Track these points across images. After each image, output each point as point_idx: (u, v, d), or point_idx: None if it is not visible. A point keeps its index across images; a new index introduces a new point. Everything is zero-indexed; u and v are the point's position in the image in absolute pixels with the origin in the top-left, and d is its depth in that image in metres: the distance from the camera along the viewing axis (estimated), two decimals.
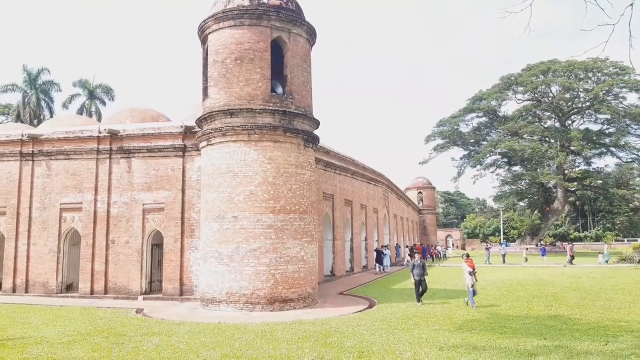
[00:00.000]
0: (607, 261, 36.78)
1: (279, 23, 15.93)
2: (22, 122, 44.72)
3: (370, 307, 15.87)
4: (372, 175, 34.46)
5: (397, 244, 42.44)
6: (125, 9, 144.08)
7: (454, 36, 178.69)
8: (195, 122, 16.70)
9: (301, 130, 16.04)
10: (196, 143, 17.28)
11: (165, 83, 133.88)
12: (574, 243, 66.72)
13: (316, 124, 17.03)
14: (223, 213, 15.43)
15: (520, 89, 63.32)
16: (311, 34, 17.06)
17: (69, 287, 20.49)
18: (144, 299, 18.47)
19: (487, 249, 43.18)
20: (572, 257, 36.33)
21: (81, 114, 49.71)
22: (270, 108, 15.43)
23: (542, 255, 43.21)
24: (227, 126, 15.38)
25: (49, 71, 50.12)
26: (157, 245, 19.81)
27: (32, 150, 20.48)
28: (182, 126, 18.49)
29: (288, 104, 15.83)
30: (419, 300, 16.18)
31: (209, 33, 16.33)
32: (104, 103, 52.96)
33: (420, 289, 16.37)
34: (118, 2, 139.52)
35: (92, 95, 52.37)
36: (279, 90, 16.29)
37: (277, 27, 15.93)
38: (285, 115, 15.64)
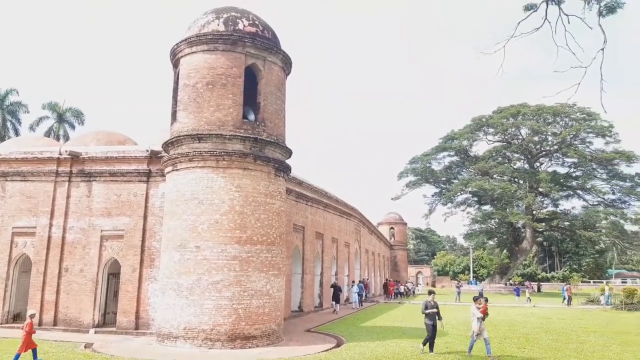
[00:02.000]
0: (607, 302, 34.31)
1: (254, 50, 15.64)
2: None
3: (337, 346, 15.11)
4: (345, 209, 34.03)
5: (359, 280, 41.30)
6: (100, 31, 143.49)
7: (431, 74, 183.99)
8: (162, 147, 16.04)
9: (272, 158, 15.55)
10: (161, 168, 16.57)
11: (139, 110, 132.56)
12: (540, 283, 67.54)
13: (288, 153, 16.59)
14: (185, 242, 14.61)
15: (491, 130, 64.73)
16: (287, 63, 16.82)
17: (16, 317, 18.98)
18: (95, 332, 17.21)
19: (457, 287, 42.80)
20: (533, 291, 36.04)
21: (49, 137, 48.18)
22: (241, 135, 14.94)
23: (516, 295, 42.26)
24: (194, 151, 14.77)
25: (17, 92, 48.67)
26: (113, 274, 18.67)
27: None
28: (147, 150, 17.76)
29: (260, 132, 15.37)
30: (431, 350, 13.61)
31: (182, 57, 15.90)
32: (73, 127, 51.51)
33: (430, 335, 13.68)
34: (90, 25, 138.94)
35: (61, 119, 50.91)
36: (251, 117, 15.87)
37: (252, 54, 15.63)
38: (256, 143, 15.15)
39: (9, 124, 47.83)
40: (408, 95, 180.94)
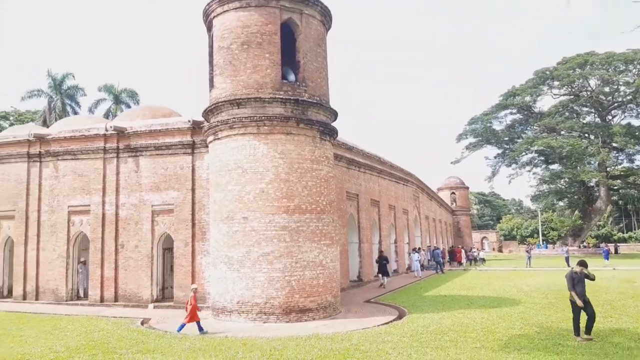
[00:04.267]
0: None
1: (289, 3, 14.40)
2: (48, 127, 44.74)
3: (399, 318, 14.09)
4: (401, 175, 32.52)
5: (434, 247, 39.88)
6: (148, 11, 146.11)
7: (487, 28, 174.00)
8: (202, 115, 15.33)
9: (316, 121, 14.44)
10: (204, 139, 15.92)
11: (186, 83, 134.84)
12: (617, 244, 62.96)
13: (333, 114, 15.41)
14: (232, 214, 13.96)
15: (556, 83, 60.09)
16: (326, 16, 15.47)
17: (85, 294, 19.36)
18: (154, 307, 17.21)
19: (527, 251, 40.35)
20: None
21: (107, 118, 49.61)
22: (281, 97, 13.90)
23: (605, 258, 37.96)
24: (234, 118, 13.93)
25: (73, 76, 50.16)
26: (169, 249, 18.54)
27: (40, 151, 19.58)
28: (189, 121, 17.17)
29: (301, 92, 14.26)
30: (587, 332, 10.44)
31: (214, 17, 14.95)
32: (129, 107, 52.78)
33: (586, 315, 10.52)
34: (138, 6, 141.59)
35: (117, 100, 52.15)
36: (291, 77, 14.77)
37: (288, 8, 14.41)
38: (298, 105, 14.07)
39: (68, 107, 49.52)
40: (463, 50, 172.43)
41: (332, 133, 15.30)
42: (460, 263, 40.95)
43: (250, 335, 11.79)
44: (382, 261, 23.56)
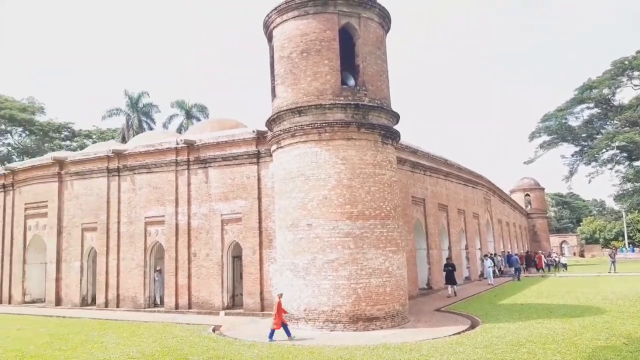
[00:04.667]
0: None
1: (347, 8, 14.36)
2: (125, 143, 47.65)
3: (471, 327, 13.47)
4: (470, 177, 31.34)
5: (508, 252, 38.06)
6: (218, 28, 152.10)
7: (555, 17, 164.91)
8: (265, 125, 15.59)
9: (377, 124, 14.23)
10: (268, 148, 16.18)
11: (253, 95, 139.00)
12: None
13: (395, 117, 15.11)
14: (296, 221, 14.03)
15: (637, 73, 55.57)
16: (384, 18, 15.26)
17: (162, 301, 20.23)
18: (225, 314, 17.65)
19: (611, 255, 37.52)
20: None
21: (179, 132, 52.07)
22: (341, 102, 13.83)
23: None
24: (295, 126, 14.04)
25: (148, 94, 53.20)
26: (238, 257, 18.99)
27: (118, 166, 20.81)
28: (254, 131, 17.55)
29: (361, 97, 14.12)
30: None
31: (273, 28, 15.20)
32: (199, 120, 55.08)
33: None
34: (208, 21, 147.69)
35: (188, 115, 54.59)
36: (351, 82, 14.67)
37: (345, 13, 14.37)
38: (358, 109, 13.93)
39: (144, 124, 52.51)
40: (531, 44, 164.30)
41: (394, 136, 15.00)
42: (539, 269, 38.74)
43: (317, 343, 11.73)
44: (449, 268, 22.12)
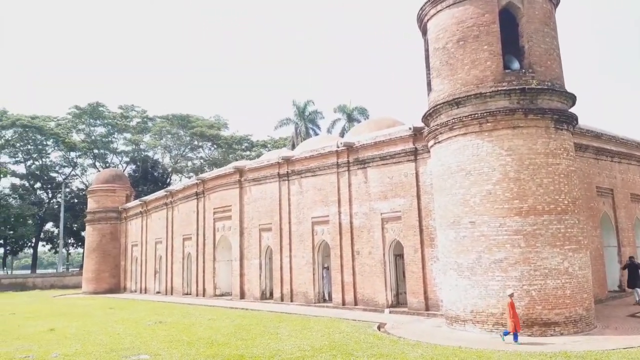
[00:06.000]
0: None
1: None
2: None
3: None
4: None
5: None
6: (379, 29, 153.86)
7: None
8: (422, 120, 15.22)
9: (548, 109, 12.80)
10: (425, 144, 15.77)
11: (414, 93, 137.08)
12: None
13: (570, 99, 13.42)
14: (458, 219, 13.38)
15: None
16: None
17: (330, 297, 21.21)
18: (390, 312, 17.69)
19: None
20: None
21: (342, 136, 54.12)
22: (504, 88, 12.77)
23: None
24: (453, 118, 13.41)
25: (313, 102, 56.42)
26: (399, 255, 18.89)
27: (287, 171, 22.40)
28: (410, 128, 17.25)
29: (527, 80, 12.85)
30: None
31: (428, 20, 14.76)
32: (359, 122, 56.52)
33: None
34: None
35: (350, 118, 56.40)
36: (515, 65, 13.48)
37: None
38: (524, 94, 12.72)
39: (310, 130, 55.73)
40: None
41: (569, 120, 13.34)
42: None
43: (486, 347, 11.03)
44: (633, 268, 18.31)
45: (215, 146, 61.96)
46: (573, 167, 13.35)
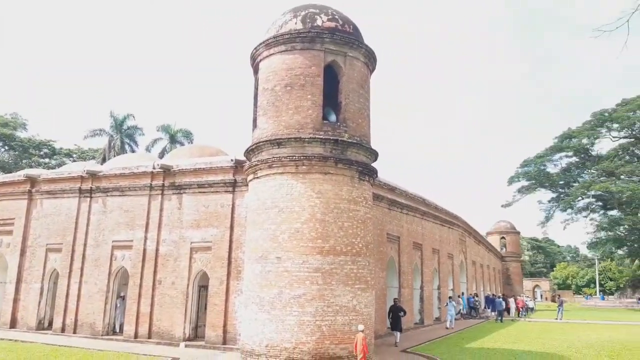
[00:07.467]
0: None
1: (334, 46, 14.56)
2: None
3: None
4: (447, 217, 31.52)
5: (493, 295, 38.19)
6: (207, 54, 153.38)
7: (542, 70, 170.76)
8: (244, 155, 15.50)
9: (355, 161, 14.25)
10: (245, 177, 16.04)
11: (239, 123, 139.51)
12: None
13: (373, 155, 15.18)
14: (266, 253, 13.77)
15: (616, 125, 57.62)
16: (370, 58, 15.51)
17: (121, 329, 19.49)
18: (186, 345, 17.03)
19: (557, 301, 36.82)
20: None
21: (162, 157, 51.47)
22: (321, 137, 13.85)
23: None
24: (273, 157, 13.96)
25: (133, 117, 52.63)
26: (204, 286, 18.50)
27: (91, 187, 20.35)
28: (232, 160, 17.42)
29: (341, 133, 14.17)
30: None
31: (260, 60, 15.31)
32: (183, 146, 54.62)
33: None
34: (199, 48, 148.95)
35: (173, 139, 54.02)
36: (332, 118, 14.74)
37: (332, 51, 14.55)
38: (337, 145, 13.96)
39: (127, 146, 51.85)
40: (513, 91, 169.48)
41: (371, 173, 15.03)
42: (519, 313, 38.85)
43: None
44: (397, 312, 19.01)
45: (6, 147, 53.26)
46: (369, 215, 14.98)
